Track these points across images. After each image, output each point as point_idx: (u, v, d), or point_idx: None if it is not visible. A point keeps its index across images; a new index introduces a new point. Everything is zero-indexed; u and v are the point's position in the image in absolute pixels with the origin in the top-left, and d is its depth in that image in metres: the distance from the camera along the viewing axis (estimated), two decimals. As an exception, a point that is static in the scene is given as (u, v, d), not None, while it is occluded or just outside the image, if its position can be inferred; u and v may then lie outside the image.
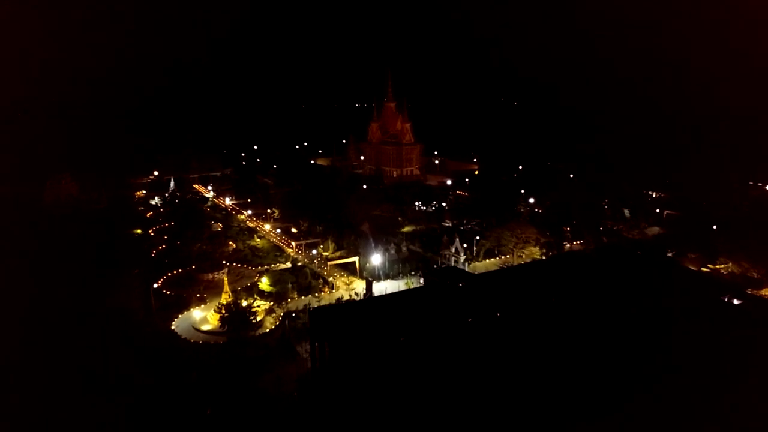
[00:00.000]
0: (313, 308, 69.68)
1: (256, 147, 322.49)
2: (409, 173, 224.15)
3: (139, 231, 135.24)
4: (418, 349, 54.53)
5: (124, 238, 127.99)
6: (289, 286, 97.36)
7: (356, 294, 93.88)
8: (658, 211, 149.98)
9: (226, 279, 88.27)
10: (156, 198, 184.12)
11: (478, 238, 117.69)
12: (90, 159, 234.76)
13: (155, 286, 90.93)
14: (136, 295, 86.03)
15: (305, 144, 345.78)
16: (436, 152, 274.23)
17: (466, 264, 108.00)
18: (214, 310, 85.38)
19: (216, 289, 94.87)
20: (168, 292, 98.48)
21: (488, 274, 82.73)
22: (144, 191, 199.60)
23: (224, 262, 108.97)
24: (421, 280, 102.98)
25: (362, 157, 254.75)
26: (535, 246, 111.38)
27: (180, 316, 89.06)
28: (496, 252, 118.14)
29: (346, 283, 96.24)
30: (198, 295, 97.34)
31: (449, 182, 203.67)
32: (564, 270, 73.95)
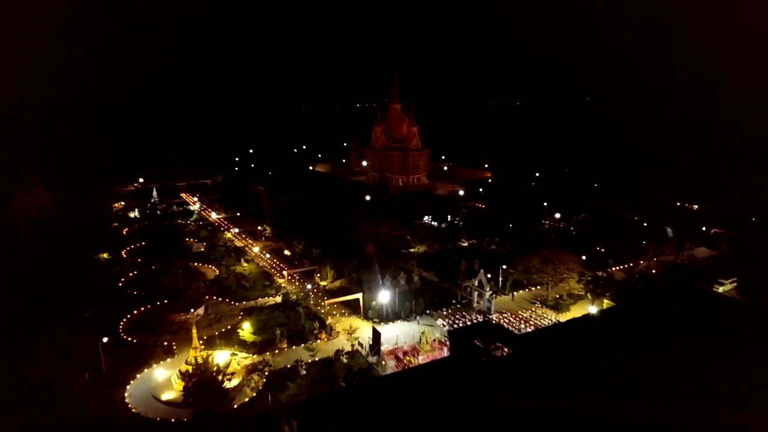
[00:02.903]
0: (303, 401, 50.84)
1: (251, 150, 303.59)
2: (416, 181, 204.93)
3: (105, 255, 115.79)
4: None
5: (85, 263, 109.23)
6: (278, 332, 78.74)
7: (360, 345, 75.26)
8: (704, 228, 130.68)
9: (194, 331, 69.31)
10: (136, 210, 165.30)
11: (504, 266, 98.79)
12: (67, 166, 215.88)
13: (105, 340, 71.77)
14: (80, 353, 66.79)
15: (304, 147, 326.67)
16: (443, 157, 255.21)
17: (493, 298, 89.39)
18: (179, 372, 66.94)
19: (189, 334, 76.17)
20: (129, 339, 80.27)
21: (537, 335, 63.57)
22: (123, 202, 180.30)
23: (195, 303, 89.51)
24: (439, 322, 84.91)
25: (364, 163, 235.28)
26: (577, 281, 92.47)
27: (138, 376, 70.43)
28: (525, 282, 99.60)
29: (347, 331, 77.39)
30: (165, 344, 78.98)
31: (461, 192, 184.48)
32: (642, 328, 54.93)
